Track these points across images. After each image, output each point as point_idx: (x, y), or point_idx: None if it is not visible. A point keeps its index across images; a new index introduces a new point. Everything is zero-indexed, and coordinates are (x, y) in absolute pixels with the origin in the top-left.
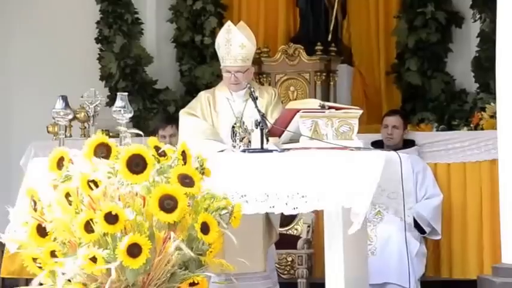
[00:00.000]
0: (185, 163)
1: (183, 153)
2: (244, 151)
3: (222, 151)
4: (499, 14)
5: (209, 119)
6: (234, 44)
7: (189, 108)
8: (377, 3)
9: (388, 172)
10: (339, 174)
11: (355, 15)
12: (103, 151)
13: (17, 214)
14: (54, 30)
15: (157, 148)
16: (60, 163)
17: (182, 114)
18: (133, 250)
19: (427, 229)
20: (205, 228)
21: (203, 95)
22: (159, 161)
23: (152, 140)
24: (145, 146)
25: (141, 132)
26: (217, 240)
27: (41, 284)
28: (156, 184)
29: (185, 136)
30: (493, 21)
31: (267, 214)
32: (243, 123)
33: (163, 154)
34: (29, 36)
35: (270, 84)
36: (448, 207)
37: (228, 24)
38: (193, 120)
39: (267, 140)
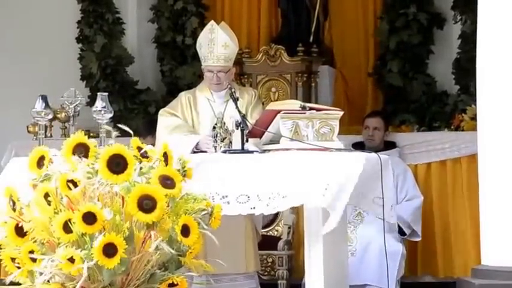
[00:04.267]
0: (167, 164)
1: (165, 154)
2: (225, 152)
3: (198, 146)
4: (480, 15)
5: (190, 119)
6: (217, 43)
7: (169, 107)
8: (359, 4)
9: (368, 174)
10: (319, 175)
11: (336, 16)
12: (81, 151)
13: None
14: (35, 29)
15: (139, 149)
16: (40, 162)
17: (162, 113)
18: (109, 250)
19: (407, 231)
20: (185, 231)
21: (183, 95)
22: (140, 162)
23: (135, 141)
24: (127, 146)
25: (128, 129)
26: (197, 242)
27: (19, 284)
28: (136, 184)
29: (162, 134)
30: (474, 23)
31: (249, 215)
32: (224, 123)
33: (145, 155)
34: (8, 34)
35: (251, 85)
36: (428, 208)
37: (211, 23)
38: (172, 119)
39: (247, 141)
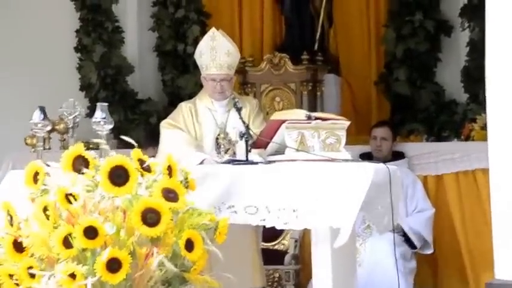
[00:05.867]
0: (170, 177)
1: (169, 168)
2: (229, 162)
3: (202, 161)
4: (488, 22)
5: (192, 131)
6: (219, 51)
7: (170, 119)
8: (363, 11)
9: (377, 185)
10: (327, 188)
11: (341, 23)
12: (81, 163)
13: None
14: (32, 38)
15: (141, 161)
16: (36, 177)
17: (164, 126)
18: (113, 265)
19: (418, 244)
20: (189, 246)
21: (184, 105)
22: (142, 175)
23: (136, 152)
24: (128, 158)
25: (131, 141)
26: (202, 257)
27: None
28: (139, 197)
29: (166, 148)
30: (482, 30)
31: (255, 227)
32: (227, 134)
33: (147, 169)
34: (5, 44)
35: (254, 95)
36: (438, 220)
37: (213, 30)
38: (175, 132)
39: (251, 151)
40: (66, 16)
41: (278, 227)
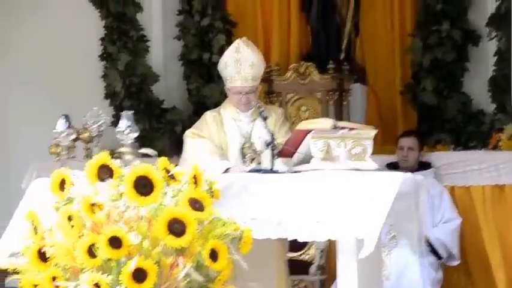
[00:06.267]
0: (196, 186)
1: (195, 177)
2: (254, 171)
3: (227, 170)
4: None
5: (217, 140)
6: (244, 63)
7: (195, 128)
8: (390, 21)
9: (403, 195)
10: (353, 198)
11: (368, 32)
12: (106, 172)
13: (10, 233)
14: (57, 47)
15: (167, 170)
16: (62, 185)
17: (187, 135)
18: (139, 275)
19: (444, 254)
20: (214, 256)
21: (209, 115)
22: (168, 184)
23: (162, 161)
24: (154, 167)
25: (150, 152)
26: (226, 267)
27: None
28: (164, 207)
29: (189, 158)
30: (509, 40)
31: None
32: (252, 144)
33: (173, 177)
34: (31, 52)
35: (280, 104)
36: (465, 231)
37: (237, 42)
38: (199, 141)
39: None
40: (91, 24)
41: (301, 240)
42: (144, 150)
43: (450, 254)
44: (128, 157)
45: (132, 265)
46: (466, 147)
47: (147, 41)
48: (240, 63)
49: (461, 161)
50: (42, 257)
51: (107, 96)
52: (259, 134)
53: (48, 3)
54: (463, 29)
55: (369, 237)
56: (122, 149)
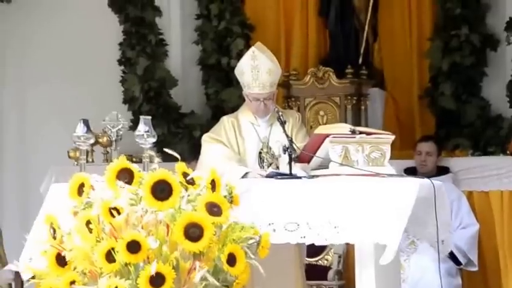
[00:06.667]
0: (214, 191)
1: (212, 182)
2: (272, 176)
3: (246, 174)
4: None
5: (235, 145)
6: (261, 70)
7: (212, 133)
8: (409, 25)
9: (422, 201)
10: (371, 204)
11: (386, 37)
12: (126, 177)
13: (33, 240)
14: (76, 51)
15: (185, 175)
16: (80, 189)
17: (205, 140)
18: (157, 280)
19: (463, 260)
20: (232, 260)
21: (226, 119)
22: (186, 189)
23: (180, 166)
24: (172, 172)
25: (175, 154)
26: (244, 272)
27: None
28: (182, 211)
29: (207, 162)
30: None
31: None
32: (270, 148)
33: (191, 182)
34: (49, 56)
35: (298, 109)
36: (484, 237)
37: (253, 50)
38: (216, 146)
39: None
40: (109, 29)
41: (317, 243)
42: (168, 150)
43: (468, 260)
44: (146, 161)
45: (152, 269)
46: (485, 152)
47: (166, 45)
48: (257, 70)
49: (480, 166)
50: (61, 261)
51: (125, 101)
52: (277, 138)
53: (67, 8)
54: (482, 34)
55: (390, 243)
56: (148, 153)
